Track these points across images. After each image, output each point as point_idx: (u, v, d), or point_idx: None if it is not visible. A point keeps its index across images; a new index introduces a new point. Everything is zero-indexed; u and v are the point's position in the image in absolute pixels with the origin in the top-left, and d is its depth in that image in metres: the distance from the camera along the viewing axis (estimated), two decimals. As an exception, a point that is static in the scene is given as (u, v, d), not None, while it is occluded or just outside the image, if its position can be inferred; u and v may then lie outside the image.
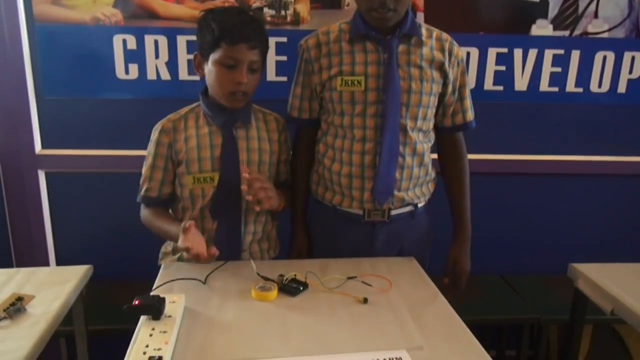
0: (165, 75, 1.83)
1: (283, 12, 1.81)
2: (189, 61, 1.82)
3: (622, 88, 2.00)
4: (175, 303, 1.07)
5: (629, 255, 1.66)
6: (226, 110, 1.33)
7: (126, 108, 1.85)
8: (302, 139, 1.48)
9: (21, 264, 1.92)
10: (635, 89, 2.00)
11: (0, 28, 1.72)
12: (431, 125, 1.43)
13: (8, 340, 1.02)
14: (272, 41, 1.52)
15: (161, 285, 1.21)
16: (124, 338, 1.00)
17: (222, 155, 1.33)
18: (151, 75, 1.83)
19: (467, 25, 1.88)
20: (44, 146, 1.88)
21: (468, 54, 1.90)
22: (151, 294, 1.10)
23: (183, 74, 1.83)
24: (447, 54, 1.37)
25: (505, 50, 1.92)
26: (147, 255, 1.45)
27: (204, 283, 1.23)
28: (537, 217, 2.15)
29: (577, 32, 1.93)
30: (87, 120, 1.86)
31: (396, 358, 0.95)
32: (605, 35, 1.94)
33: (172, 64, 1.82)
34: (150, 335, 0.97)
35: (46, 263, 1.95)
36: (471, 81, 1.90)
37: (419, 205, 1.47)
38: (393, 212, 1.42)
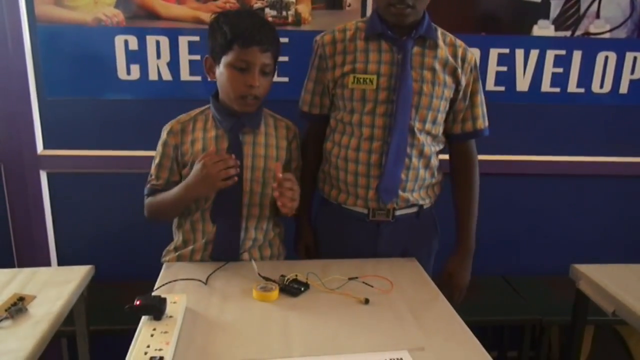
0: (167, 75, 1.83)
1: (284, 13, 1.81)
2: (190, 62, 1.82)
3: (623, 88, 1.99)
4: (176, 303, 1.08)
5: (632, 257, 1.66)
6: (235, 114, 1.32)
7: (128, 108, 1.85)
8: (311, 135, 1.49)
9: (23, 264, 1.92)
10: (637, 90, 2.00)
11: (2, 29, 1.73)
12: (440, 130, 1.42)
13: (9, 341, 1.02)
14: (273, 42, 1.52)
15: (162, 285, 1.21)
16: (126, 338, 1.00)
17: None
18: (153, 75, 1.83)
19: (469, 26, 1.88)
20: (45, 146, 1.88)
21: (469, 54, 1.90)
22: (152, 294, 1.10)
23: (185, 75, 1.83)
24: (460, 60, 1.36)
25: (506, 50, 1.92)
26: (149, 256, 1.45)
27: (205, 283, 1.23)
28: (539, 217, 2.14)
29: (578, 32, 1.92)
30: (88, 121, 1.86)
31: (397, 359, 0.95)
32: (607, 35, 1.93)
33: (173, 65, 1.82)
34: (152, 335, 0.97)
35: (48, 263, 1.96)
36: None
37: (425, 207, 1.46)
38: (398, 213, 1.42)
